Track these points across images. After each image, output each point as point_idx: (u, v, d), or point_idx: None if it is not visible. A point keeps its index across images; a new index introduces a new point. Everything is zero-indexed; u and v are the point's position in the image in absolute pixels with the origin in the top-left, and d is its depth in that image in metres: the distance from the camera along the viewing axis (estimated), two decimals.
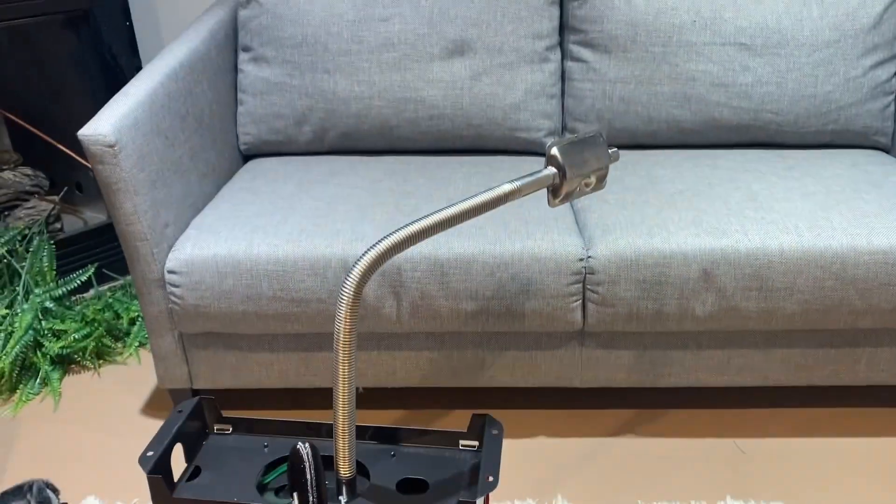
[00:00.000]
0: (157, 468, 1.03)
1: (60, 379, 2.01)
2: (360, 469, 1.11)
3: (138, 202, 1.61)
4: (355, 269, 0.99)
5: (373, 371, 1.76)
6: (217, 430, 1.19)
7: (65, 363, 2.06)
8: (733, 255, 1.57)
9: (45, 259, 2.16)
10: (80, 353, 2.06)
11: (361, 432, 1.16)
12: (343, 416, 1.01)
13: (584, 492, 1.60)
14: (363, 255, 1.00)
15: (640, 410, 1.86)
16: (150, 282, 1.68)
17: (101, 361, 2.09)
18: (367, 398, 1.90)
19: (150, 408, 1.92)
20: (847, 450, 1.71)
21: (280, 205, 1.80)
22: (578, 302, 1.63)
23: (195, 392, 1.86)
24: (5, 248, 2.13)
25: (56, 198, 2.35)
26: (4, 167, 2.36)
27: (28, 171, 2.37)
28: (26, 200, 2.32)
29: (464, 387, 1.78)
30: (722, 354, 1.71)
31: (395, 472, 1.10)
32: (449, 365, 1.75)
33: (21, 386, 1.98)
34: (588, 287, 1.62)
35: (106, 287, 2.33)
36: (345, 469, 1.05)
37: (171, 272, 1.65)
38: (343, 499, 1.06)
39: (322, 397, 1.85)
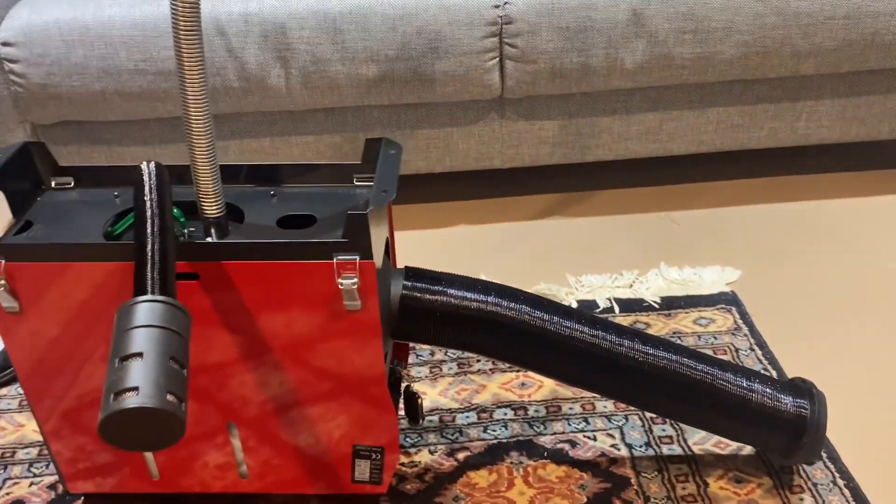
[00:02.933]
0: None
1: None
2: (233, 213, 0.91)
3: None
4: None
5: (268, 159, 1.54)
6: (56, 184, 0.97)
7: None
8: None
9: None
10: None
11: (234, 172, 0.96)
12: (198, 134, 0.80)
13: (508, 272, 1.46)
14: None
15: (567, 193, 1.71)
16: None
17: None
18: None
19: None
20: (784, 214, 1.60)
21: None
22: (496, 59, 1.43)
23: None
24: None
25: None
26: None
27: None
28: None
29: None
30: (654, 118, 1.55)
31: (277, 212, 0.91)
32: (355, 149, 1.55)
33: None
34: (505, 40, 1.42)
35: None
36: (210, 207, 0.85)
37: (5, 44, 1.36)
38: (211, 239, 0.87)
39: None
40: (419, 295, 0.92)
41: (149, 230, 0.69)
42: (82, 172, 0.97)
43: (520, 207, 1.66)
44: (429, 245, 1.56)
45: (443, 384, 1.23)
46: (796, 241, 1.52)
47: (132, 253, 0.80)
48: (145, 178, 0.74)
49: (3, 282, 0.83)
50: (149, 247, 0.68)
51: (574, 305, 1.37)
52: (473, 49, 1.40)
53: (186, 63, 0.77)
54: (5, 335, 0.89)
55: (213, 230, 0.87)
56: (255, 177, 0.97)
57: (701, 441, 1.10)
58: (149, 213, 0.70)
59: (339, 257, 0.82)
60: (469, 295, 0.93)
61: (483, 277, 1.43)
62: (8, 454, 1.14)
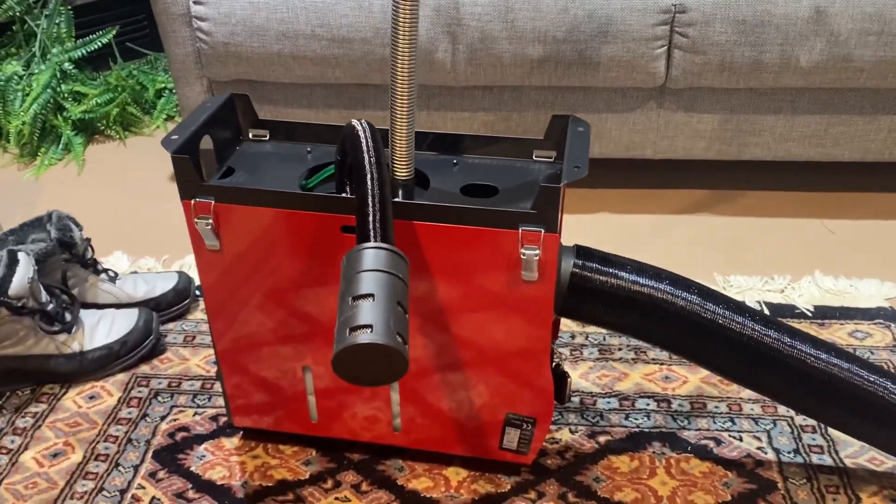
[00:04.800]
0: (183, 150, 0.87)
1: (84, 145, 1.87)
2: (419, 178, 0.95)
3: None
4: None
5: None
6: (253, 136, 1.03)
7: (88, 130, 1.91)
8: None
9: (62, 24, 1.97)
10: (104, 121, 1.90)
11: (420, 139, 0.99)
12: (402, 99, 0.83)
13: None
14: None
15: (719, 191, 1.67)
16: (174, 17, 1.48)
17: (126, 133, 1.94)
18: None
19: None
20: None
21: None
22: (664, 48, 1.41)
23: None
24: (20, 7, 1.93)
25: None
26: None
27: None
28: None
29: None
30: (820, 121, 1.50)
31: (460, 181, 0.94)
32: (506, 129, 1.56)
33: (43, 150, 1.84)
34: (676, 29, 1.40)
35: (132, 63, 2.14)
36: (402, 169, 0.89)
37: (197, 3, 1.45)
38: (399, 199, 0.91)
39: None
40: (589, 274, 0.93)
41: (369, 184, 0.73)
42: (278, 126, 1.02)
43: (667, 200, 1.64)
44: (571, 229, 1.55)
45: (583, 367, 1.23)
46: None
47: (330, 204, 0.85)
48: (361, 134, 0.78)
49: (210, 221, 0.90)
50: (370, 198, 0.71)
51: None
52: (643, 36, 1.39)
53: (402, 36, 0.80)
54: (203, 270, 0.95)
55: (401, 192, 0.91)
56: (439, 145, 1.00)
57: (854, 455, 1.07)
58: (368, 167, 0.74)
59: (525, 227, 0.84)
60: (641, 280, 0.93)
61: None
62: (174, 384, 1.22)
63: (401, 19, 0.79)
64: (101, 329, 1.24)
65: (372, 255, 0.65)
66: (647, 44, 1.40)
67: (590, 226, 1.58)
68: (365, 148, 0.77)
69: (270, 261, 0.92)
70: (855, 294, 1.37)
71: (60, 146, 1.84)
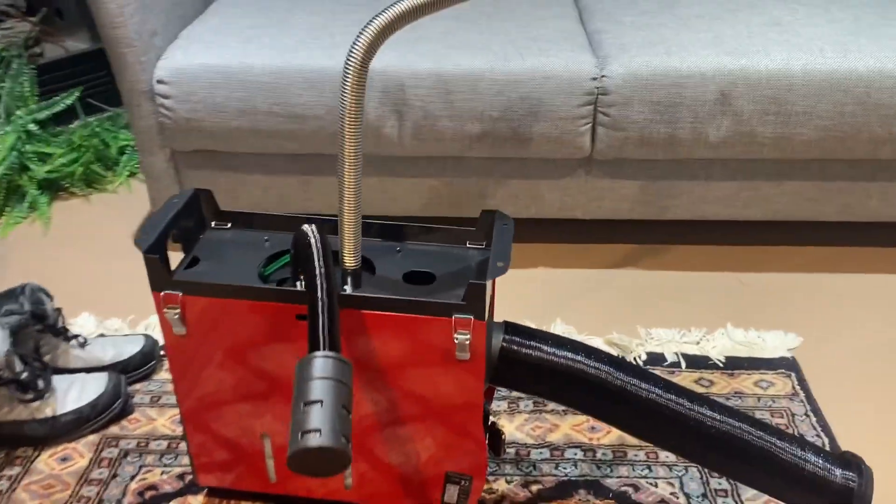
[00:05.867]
0: (154, 249, 0.99)
1: (49, 203, 1.95)
2: (365, 264, 1.07)
3: (123, 2, 1.49)
4: (363, 35, 0.91)
5: (372, 198, 1.71)
6: (215, 225, 1.14)
7: (53, 189, 1.99)
8: (754, 76, 1.50)
9: (25, 83, 2.05)
10: (69, 179, 1.99)
11: (366, 228, 1.12)
12: (349, 197, 0.96)
13: (583, 318, 1.60)
14: (371, 20, 0.92)
15: (643, 245, 1.83)
16: (139, 93, 1.59)
17: (90, 189, 2.03)
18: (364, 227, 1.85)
19: None
20: (850, 285, 1.70)
21: (275, 18, 1.68)
22: (588, 125, 1.57)
23: None
24: None
25: (34, 19, 2.21)
26: None
27: None
28: (2, 21, 2.18)
29: (465, 217, 1.74)
30: (732, 186, 1.67)
31: (401, 266, 1.07)
32: (451, 193, 1.70)
33: (8, 209, 1.92)
34: (600, 109, 1.55)
35: (93, 118, 2.23)
36: (350, 259, 1.01)
37: (160, 82, 1.56)
38: (348, 288, 1.03)
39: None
40: (516, 348, 1.07)
41: (320, 295, 0.85)
42: (238, 217, 1.14)
43: (597, 255, 1.79)
44: (510, 283, 1.70)
45: (519, 419, 1.37)
46: (859, 312, 1.62)
47: (285, 296, 0.97)
48: (312, 242, 0.90)
49: (178, 311, 1.01)
50: (319, 308, 0.83)
51: (643, 357, 1.50)
52: (570, 115, 1.54)
53: (348, 127, 0.92)
54: (171, 352, 1.06)
55: (350, 279, 1.03)
56: (384, 233, 1.12)
57: (753, 498, 1.22)
58: (318, 278, 0.86)
59: (457, 315, 0.97)
60: (559, 352, 1.07)
61: (559, 321, 1.58)
62: (143, 444, 1.32)
63: (346, 133, 0.91)
64: (72, 393, 1.33)
65: (321, 364, 0.78)
66: (573, 122, 1.55)
67: (528, 279, 1.72)
68: (316, 258, 0.89)
69: (232, 343, 1.04)
70: (761, 345, 1.53)
71: (26, 204, 1.92)
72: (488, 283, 0.95)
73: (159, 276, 0.99)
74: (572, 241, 1.84)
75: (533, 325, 1.56)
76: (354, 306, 0.99)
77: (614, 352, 1.51)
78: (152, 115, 1.61)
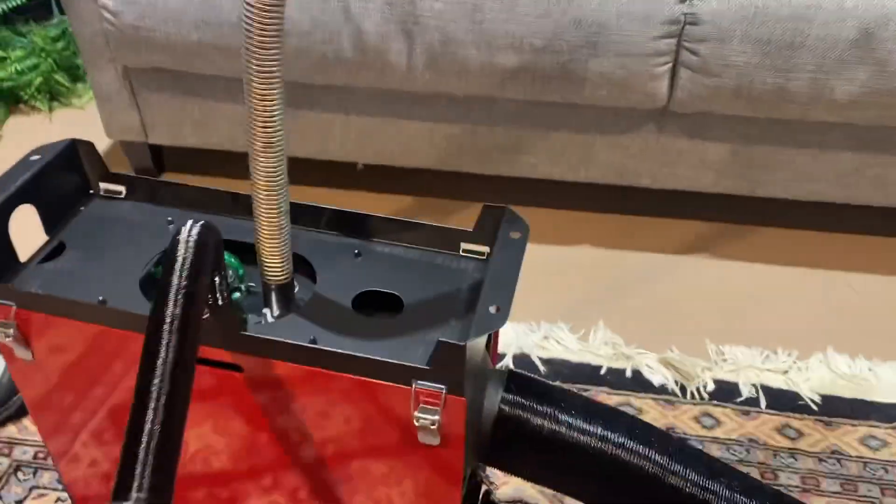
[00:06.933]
0: None
1: (3, 118, 1.63)
2: (304, 267, 0.71)
3: None
4: None
5: (376, 143, 1.33)
6: (105, 192, 0.80)
7: (8, 101, 1.67)
8: None
9: None
10: (27, 90, 1.66)
11: (315, 216, 0.75)
12: (266, 171, 0.60)
13: (633, 324, 1.22)
14: None
15: (723, 225, 1.41)
16: None
17: (53, 103, 1.70)
18: (365, 178, 1.48)
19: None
20: None
21: None
22: (668, 66, 1.14)
23: (152, 148, 1.47)
24: None
25: None
26: None
27: None
28: None
29: (493, 175, 1.35)
30: (853, 161, 1.23)
31: (355, 280, 0.70)
32: (476, 143, 1.31)
33: None
34: (685, 44, 1.12)
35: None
36: (273, 270, 0.66)
37: None
38: (269, 314, 0.68)
39: (317, 170, 1.45)
40: (522, 415, 0.71)
41: (156, 379, 0.48)
42: (135, 183, 0.78)
43: (660, 235, 1.39)
44: (542, 264, 1.32)
45: None
46: None
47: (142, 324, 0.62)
48: (175, 274, 0.53)
49: (12, 330, 0.67)
50: (144, 433, 0.46)
51: (709, 387, 1.12)
52: (643, 50, 1.12)
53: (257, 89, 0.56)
54: (17, 378, 0.74)
55: (273, 298, 0.68)
56: (339, 225, 0.76)
57: None
58: (162, 353, 0.49)
59: (420, 384, 0.61)
60: (586, 426, 0.70)
61: (601, 325, 1.20)
62: (42, 454, 1.03)
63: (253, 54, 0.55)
64: None
65: None
66: (646, 60, 1.12)
67: (567, 261, 1.34)
68: (174, 280, 0.53)
69: (89, 370, 0.70)
70: (873, 383, 1.13)
71: None
72: (472, 343, 0.58)
73: None
74: (631, 212, 1.44)
75: (566, 328, 1.19)
76: (267, 355, 0.63)
77: (670, 377, 1.13)
78: (95, 18, 1.24)
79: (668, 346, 1.17)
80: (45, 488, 0.99)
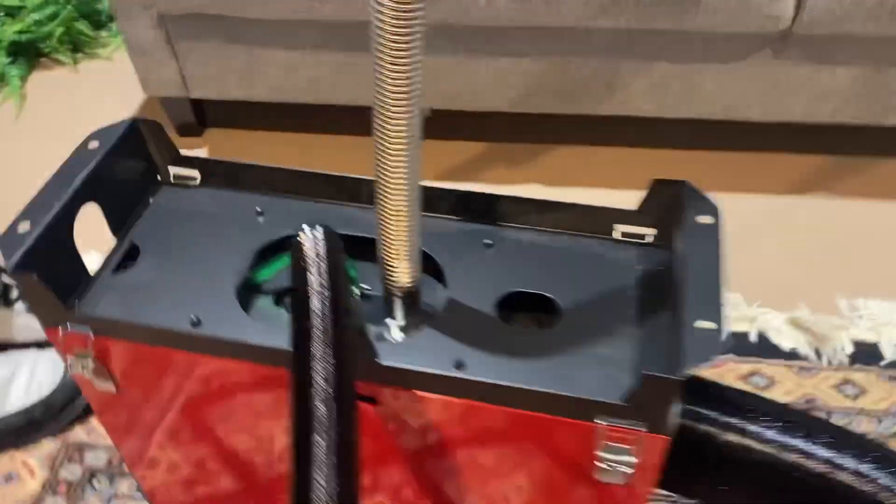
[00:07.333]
0: (30, 260, 0.52)
1: (24, 76, 1.49)
2: (429, 266, 0.59)
3: None
4: None
5: (449, 86, 1.18)
6: (175, 178, 0.66)
7: (30, 55, 1.52)
8: None
9: None
10: (47, 42, 1.51)
11: (433, 200, 0.62)
12: (400, 167, 0.47)
13: (751, 277, 1.08)
14: None
15: (849, 158, 1.25)
16: None
17: (78, 55, 1.55)
18: (437, 125, 1.33)
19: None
20: None
21: None
22: None
23: (193, 103, 1.32)
24: None
25: None
26: None
27: None
28: None
29: (579, 114, 1.20)
30: None
31: (494, 279, 0.58)
32: (562, 80, 1.15)
33: None
34: None
35: None
36: (400, 274, 0.53)
37: None
38: (395, 327, 0.55)
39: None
40: (708, 430, 0.58)
41: (317, 419, 0.37)
42: (212, 167, 0.65)
43: (770, 171, 1.24)
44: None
45: None
46: None
47: (260, 355, 0.50)
48: (308, 253, 0.41)
49: (90, 360, 0.56)
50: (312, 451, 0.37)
51: (848, 349, 0.99)
52: None
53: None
54: (98, 410, 0.63)
55: (398, 306, 0.56)
56: (465, 208, 0.62)
57: None
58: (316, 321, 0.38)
59: (606, 421, 0.48)
60: (793, 441, 0.58)
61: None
62: (117, 460, 0.93)
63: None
64: (18, 382, 0.93)
65: None
66: None
67: None
68: (311, 288, 0.41)
69: (191, 406, 0.59)
70: None
71: None
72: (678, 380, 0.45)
73: (47, 312, 0.53)
74: (734, 150, 1.28)
75: None
76: (404, 385, 0.51)
77: (802, 338, 1.01)
78: None
79: (795, 302, 1.04)
80: (124, 497, 0.90)
